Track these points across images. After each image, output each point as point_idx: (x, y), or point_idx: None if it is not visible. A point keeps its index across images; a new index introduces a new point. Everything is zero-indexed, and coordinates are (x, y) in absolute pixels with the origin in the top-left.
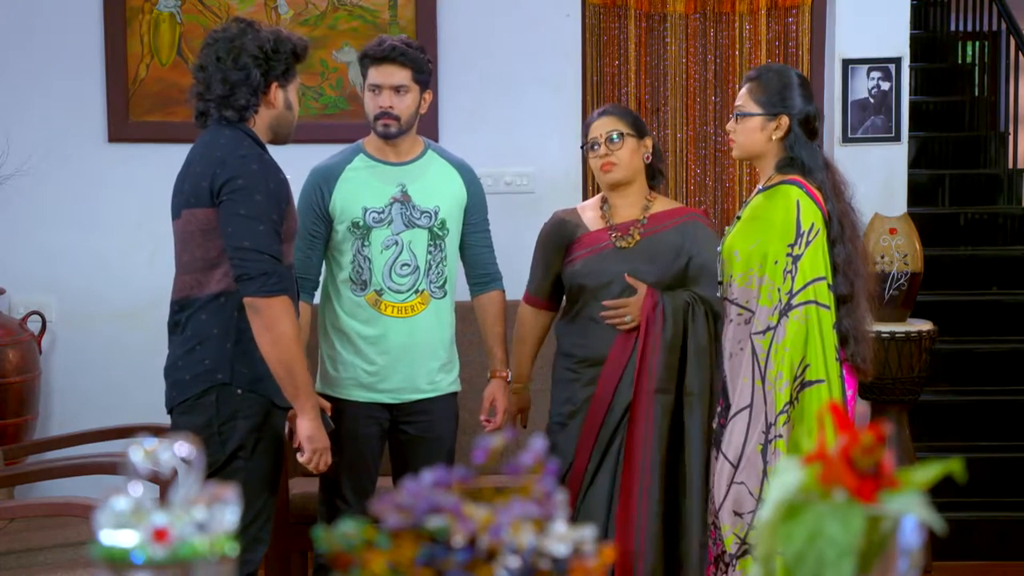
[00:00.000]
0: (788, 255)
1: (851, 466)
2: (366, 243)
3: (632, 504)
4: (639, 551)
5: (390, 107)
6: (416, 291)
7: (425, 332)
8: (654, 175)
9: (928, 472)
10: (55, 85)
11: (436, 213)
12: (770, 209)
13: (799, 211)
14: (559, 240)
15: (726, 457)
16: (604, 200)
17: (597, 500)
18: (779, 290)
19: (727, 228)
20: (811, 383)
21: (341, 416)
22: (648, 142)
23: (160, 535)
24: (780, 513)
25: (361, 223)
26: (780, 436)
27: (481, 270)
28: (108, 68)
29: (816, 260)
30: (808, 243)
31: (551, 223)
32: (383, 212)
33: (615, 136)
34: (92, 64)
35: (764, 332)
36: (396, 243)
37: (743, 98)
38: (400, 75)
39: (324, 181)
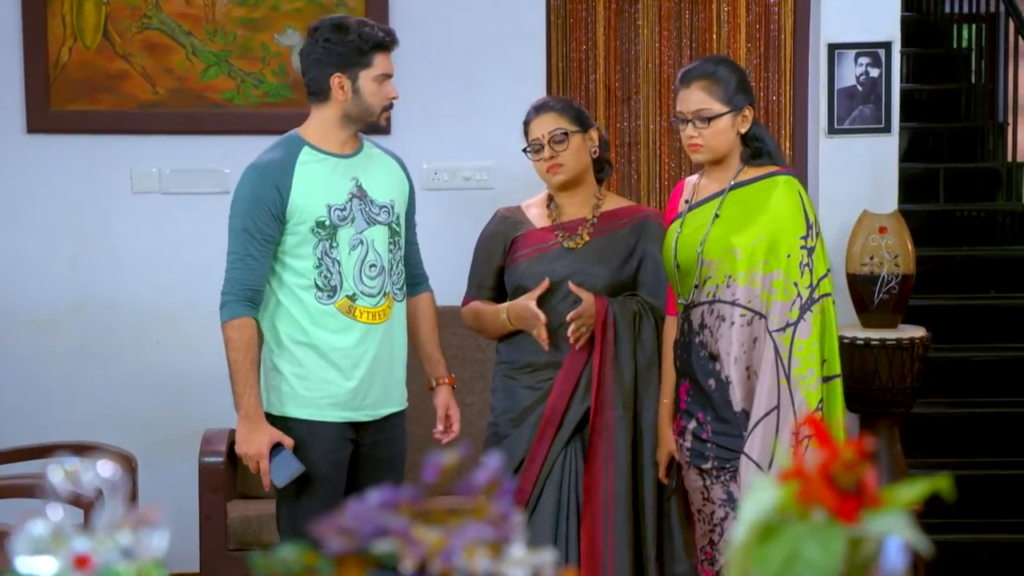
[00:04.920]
0: (802, 248)
1: (831, 484)
2: (334, 244)
3: (598, 539)
4: None
5: (395, 97)
6: (384, 294)
7: (397, 339)
8: (602, 167)
9: (914, 490)
10: None
11: (392, 208)
12: (773, 201)
13: (803, 202)
14: (501, 238)
15: (755, 462)
16: (551, 198)
17: (541, 525)
18: (797, 285)
19: (679, 226)
20: (830, 379)
21: (314, 440)
22: (594, 134)
23: (82, 562)
24: (755, 535)
25: (327, 222)
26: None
27: (415, 270)
28: (26, 51)
29: (824, 253)
30: (817, 235)
31: (492, 221)
32: (345, 209)
33: (559, 136)
34: (8, 47)
35: (784, 329)
36: (361, 242)
37: (702, 100)
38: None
39: (278, 179)
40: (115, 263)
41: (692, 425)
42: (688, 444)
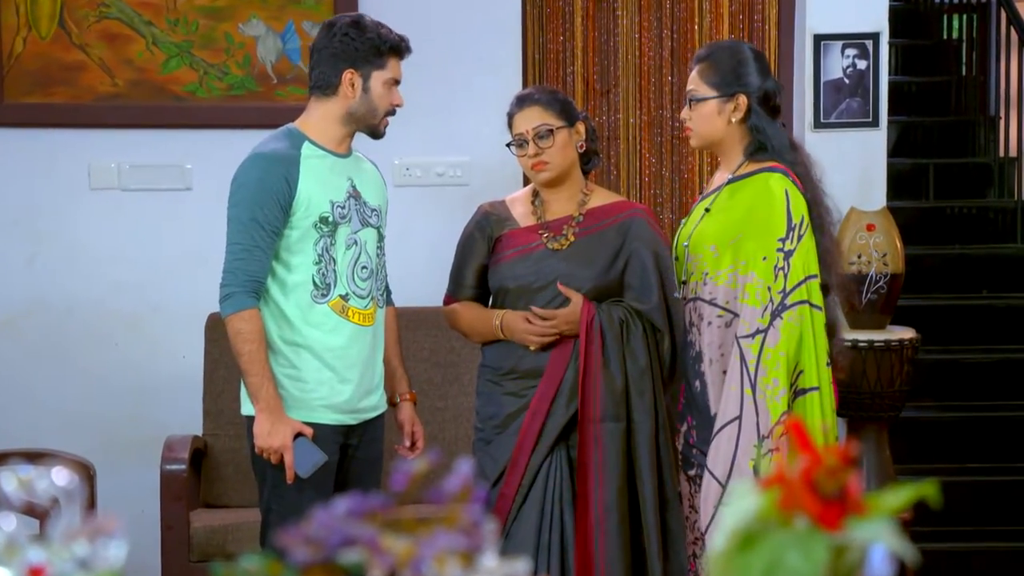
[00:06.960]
0: (779, 251)
1: (814, 490)
2: (333, 242)
3: (591, 550)
4: None
5: (400, 104)
6: (372, 297)
7: (379, 344)
8: (589, 158)
9: (899, 496)
10: None
11: (380, 213)
12: (755, 200)
13: (789, 202)
14: (484, 236)
15: (713, 475)
16: (536, 193)
17: (524, 535)
18: (770, 289)
19: (684, 220)
20: (804, 391)
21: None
22: (580, 127)
23: (36, 573)
24: (735, 543)
25: (330, 218)
26: (778, 449)
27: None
28: None
29: (809, 256)
30: (800, 237)
31: (475, 217)
32: (345, 207)
33: (544, 132)
34: None
35: (753, 335)
36: (355, 243)
37: (694, 81)
38: None
39: (287, 170)
40: (73, 262)
41: (684, 428)
42: (680, 448)
